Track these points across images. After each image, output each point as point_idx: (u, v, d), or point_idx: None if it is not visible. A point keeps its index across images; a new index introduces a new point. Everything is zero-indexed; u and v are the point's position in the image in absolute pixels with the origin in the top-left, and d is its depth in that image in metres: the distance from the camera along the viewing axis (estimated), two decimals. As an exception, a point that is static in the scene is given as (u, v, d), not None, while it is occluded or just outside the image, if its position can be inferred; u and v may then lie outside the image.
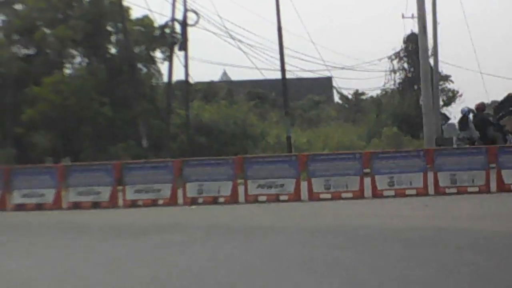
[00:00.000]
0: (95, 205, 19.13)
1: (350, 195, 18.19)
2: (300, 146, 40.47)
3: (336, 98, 69.90)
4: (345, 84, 69.52)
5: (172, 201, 19.02)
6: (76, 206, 19.17)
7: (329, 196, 18.27)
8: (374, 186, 18.39)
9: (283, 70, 36.93)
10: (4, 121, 35.21)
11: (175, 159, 21.56)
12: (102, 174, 19.17)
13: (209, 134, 40.83)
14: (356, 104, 66.39)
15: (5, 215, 18.80)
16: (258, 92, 64.46)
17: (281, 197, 18.32)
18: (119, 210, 18.66)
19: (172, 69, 36.04)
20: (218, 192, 18.92)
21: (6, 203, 19.60)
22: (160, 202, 19.06)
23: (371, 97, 63.76)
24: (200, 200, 18.53)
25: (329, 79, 66.70)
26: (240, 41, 45.64)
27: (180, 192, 19.17)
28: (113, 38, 38.14)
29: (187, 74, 35.81)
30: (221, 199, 18.47)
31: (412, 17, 50.67)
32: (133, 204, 19.08)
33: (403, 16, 52.78)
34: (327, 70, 77.37)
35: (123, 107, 36.15)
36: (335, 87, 68.52)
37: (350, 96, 66.76)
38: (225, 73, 69.57)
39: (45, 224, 16.18)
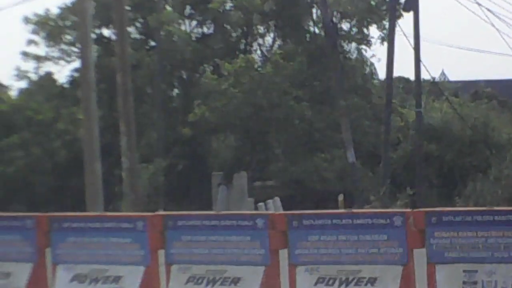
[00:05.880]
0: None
1: None
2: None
3: None
4: None
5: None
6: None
7: None
8: None
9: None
10: (168, 119, 29.95)
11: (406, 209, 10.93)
12: (233, 233, 8.80)
13: (439, 141, 33.85)
14: None
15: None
16: (487, 92, 57.46)
17: None
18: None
19: (393, 45, 27.91)
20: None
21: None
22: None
23: None
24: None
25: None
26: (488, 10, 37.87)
27: None
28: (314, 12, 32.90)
29: (418, 51, 27.18)
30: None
31: None
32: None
33: None
34: None
35: (326, 105, 31.00)
36: None
37: None
38: (443, 73, 64.70)
39: None
